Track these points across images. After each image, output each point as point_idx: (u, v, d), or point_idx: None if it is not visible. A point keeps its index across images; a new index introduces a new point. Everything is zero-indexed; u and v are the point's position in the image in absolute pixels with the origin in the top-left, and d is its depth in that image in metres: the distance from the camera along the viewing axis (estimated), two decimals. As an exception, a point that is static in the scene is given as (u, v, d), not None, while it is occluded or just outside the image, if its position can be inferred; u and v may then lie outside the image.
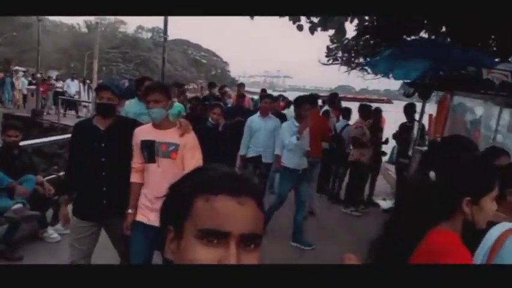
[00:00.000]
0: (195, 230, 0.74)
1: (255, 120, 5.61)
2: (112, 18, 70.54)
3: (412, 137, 5.78)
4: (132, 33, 73.37)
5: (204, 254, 0.73)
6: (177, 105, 5.16)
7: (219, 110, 4.99)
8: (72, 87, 17.10)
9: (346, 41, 7.47)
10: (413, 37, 6.10)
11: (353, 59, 8.15)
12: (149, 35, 75.53)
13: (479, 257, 1.66)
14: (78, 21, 67.53)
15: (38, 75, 17.08)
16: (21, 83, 17.58)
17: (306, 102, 5.11)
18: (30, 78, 18.43)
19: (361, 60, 8.12)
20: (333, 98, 7.70)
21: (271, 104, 5.84)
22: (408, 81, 5.18)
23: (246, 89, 9.55)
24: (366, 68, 7.96)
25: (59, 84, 17.78)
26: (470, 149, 2.39)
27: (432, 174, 1.51)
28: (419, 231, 1.46)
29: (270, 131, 5.48)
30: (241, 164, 5.64)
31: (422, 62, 4.96)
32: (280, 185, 5.29)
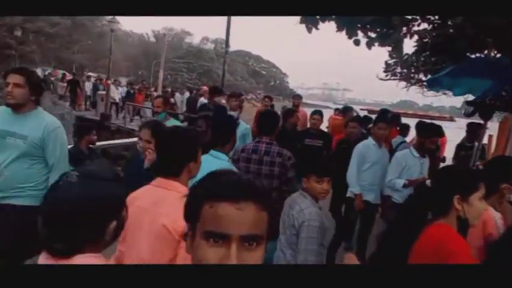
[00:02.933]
0: (202, 231, 0.89)
1: (370, 148, 4.51)
2: (178, 28, 73.90)
3: (471, 157, 5.56)
4: (197, 44, 76.10)
5: (209, 253, 0.87)
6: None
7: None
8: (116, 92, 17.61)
9: (406, 57, 7.33)
10: (477, 55, 5.89)
11: (412, 75, 7.95)
12: (213, 46, 77.96)
13: None
14: (147, 31, 71.28)
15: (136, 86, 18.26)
16: (91, 85, 18.75)
17: (434, 135, 4.24)
18: (96, 82, 19.46)
19: (421, 76, 7.91)
20: (383, 114, 7.41)
21: (386, 130, 4.57)
22: (468, 100, 5.03)
23: (303, 101, 9.18)
24: (426, 85, 7.75)
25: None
26: None
27: (428, 181, 1.90)
28: (418, 226, 1.76)
29: (385, 164, 4.44)
30: (360, 205, 4.41)
31: (484, 81, 4.81)
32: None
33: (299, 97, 8.42)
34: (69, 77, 21.36)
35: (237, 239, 0.86)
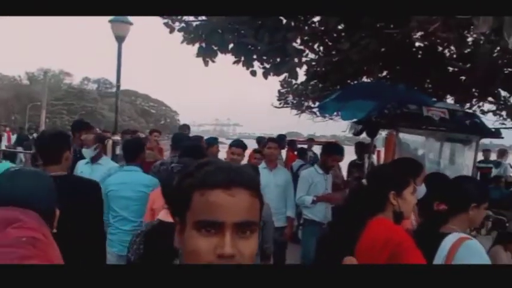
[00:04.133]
0: (193, 221, 0.83)
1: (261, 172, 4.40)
2: (56, 69, 69.17)
3: (364, 173, 6.03)
4: (78, 85, 71.97)
5: (202, 243, 0.81)
6: None
7: None
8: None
9: (296, 86, 7.86)
10: (355, 82, 6.52)
11: (303, 102, 8.55)
12: (95, 86, 74.51)
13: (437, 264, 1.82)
14: (20, 73, 65.54)
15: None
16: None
17: (335, 153, 4.52)
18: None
19: (310, 103, 8.54)
20: (281, 140, 7.74)
21: (276, 150, 4.65)
22: (355, 120, 5.50)
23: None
24: (315, 111, 8.35)
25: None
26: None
27: (363, 180, 2.08)
28: (360, 223, 1.90)
29: (281, 186, 4.50)
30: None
31: (368, 101, 5.34)
32: (303, 243, 4.46)
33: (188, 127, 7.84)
34: None
35: (231, 227, 0.81)
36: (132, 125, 59.32)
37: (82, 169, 4.24)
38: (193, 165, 0.90)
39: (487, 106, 7.00)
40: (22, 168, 1.75)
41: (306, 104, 8.51)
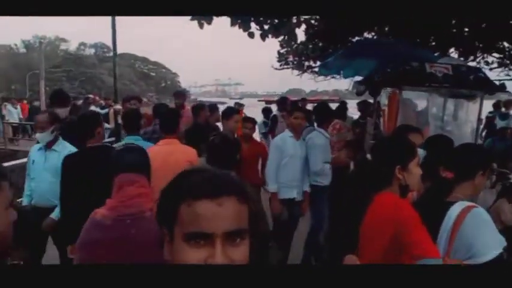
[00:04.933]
0: (182, 233, 0.82)
1: (287, 140, 4.21)
2: (52, 36, 67.91)
3: (366, 132, 6.02)
4: (74, 51, 70.87)
5: (192, 255, 0.80)
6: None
7: None
8: (14, 113, 16.20)
9: (295, 46, 7.70)
10: (357, 38, 6.38)
11: (303, 63, 8.40)
12: (93, 51, 73.36)
13: (443, 234, 1.84)
14: (16, 42, 64.50)
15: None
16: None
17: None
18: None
19: (311, 63, 8.40)
20: (283, 102, 7.56)
21: (303, 120, 4.25)
22: (358, 79, 5.42)
23: (199, 98, 8.89)
24: (317, 70, 8.22)
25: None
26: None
27: (368, 155, 2.03)
28: (366, 198, 1.91)
29: (303, 159, 4.25)
30: (277, 207, 4.13)
31: (370, 60, 5.24)
32: (317, 210, 4.34)
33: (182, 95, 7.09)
34: None
35: (221, 237, 0.80)
36: (132, 89, 58.97)
37: (35, 157, 3.56)
38: (179, 175, 0.88)
39: (491, 58, 6.86)
40: (133, 145, 2.27)
41: (307, 63, 8.37)
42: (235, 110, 4.55)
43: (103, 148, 3.16)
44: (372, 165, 1.99)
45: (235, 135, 4.50)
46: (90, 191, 2.20)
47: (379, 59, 4.99)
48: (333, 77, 8.24)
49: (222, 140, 3.02)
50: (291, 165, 4.15)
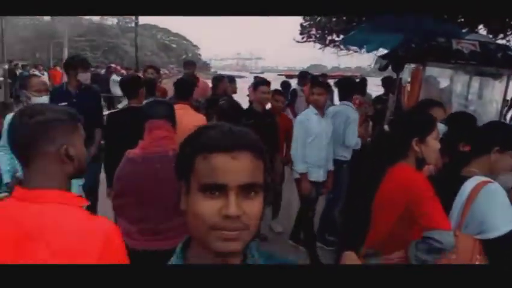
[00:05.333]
0: (198, 185, 0.84)
1: (312, 118, 4.00)
2: (75, 5, 68.03)
3: (388, 109, 5.94)
4: (98, 20, 71.04)
5: (206, 206, 0.83)
6: None
7: None
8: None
9: (319, 19, 7.55)
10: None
11: (326, 36, 8.24)
12: (115, 21, 73.40)
13: (456, 207, 1.84)
14: (40, 10, 65.03)
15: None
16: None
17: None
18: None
19: (334, 36, 8.23)
20: (304, 76, 7.45)
21: (324, 95, 4.01)
22: (381, 54, 5.31)
23: (219, 71, 8.83)
24: (339, 44, 8.07)
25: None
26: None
27: (386, 127, 2.08)
28: (382, 169, 1.94)
29: (329, 137, 4.07)
30: (307, 188, 4.01)
31: (394, 35, 5.10)
32: (336, 182, 4.24)
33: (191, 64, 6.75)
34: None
35: (235, 189, 0.82)
36: (154, 60, 59.01)
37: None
38: (197, 130, 0.91)
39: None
40: (161, 99, 2.87)
41: (329, 37, 8.20)
42: (263, 82, 4.42)
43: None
44: (389, 137, 2.01)
45: (265, 107, 4.36)
46: (130, 146, 2.40)
47: (404, 33, 4.86)
48: (356, 52, 8.08)
49: (230, 105, 3.23)
50: (317, 144, 4.00)
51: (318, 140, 4.00)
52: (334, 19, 7.30)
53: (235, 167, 0.83)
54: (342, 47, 8.00)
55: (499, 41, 6.07)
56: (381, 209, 1.92)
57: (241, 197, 0.83)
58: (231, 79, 5.68)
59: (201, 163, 0.84)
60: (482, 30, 5.78)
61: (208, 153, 0.84)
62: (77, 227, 1.17)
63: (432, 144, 1.92)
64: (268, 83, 4.32)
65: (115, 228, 1.26)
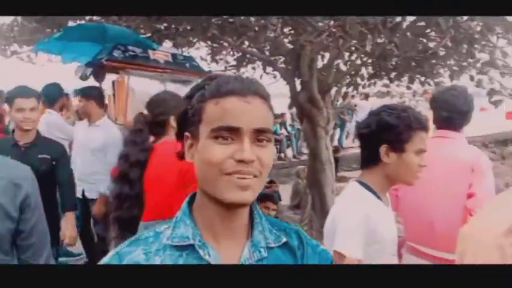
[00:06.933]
0: (208, 130, 0.82)
1: None
2: None
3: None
4: None
5: (218, 150, 0.80)
6: None
7: None
8: None
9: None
10: (78, 22, 6.09)
11: (6, 47, 7.17)
12: None
13: None
14: None
15: None
16: None
17: None
18: None
19: (16, 46, 7.28)
20: None
21: None
22: (86, 63, 5.25)
23: None
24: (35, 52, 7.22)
25: None
26: None
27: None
28: None
29: None
30: None
31: (93, 45, 5.13)
32: None
33: None
34: None
35: (249, 133, 0.80)
36: None
37: None
38: (203, 79, 0.89)
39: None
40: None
41: (11, 48, 7.19)
42: None
43: None
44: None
45: None
46: None
47: (101, 42, 5.01)
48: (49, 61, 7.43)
49: None
50: None
51: None
52: (16, 28, 6.57)
53: (249, 111, 0.81)
54: (31, 56, 7.26)
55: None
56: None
57: (254, 144, 0.81)
58: None
59: (212, 108, 0.82)
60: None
61: (220, 97, 0.81)
62: None
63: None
64: None
65: None
